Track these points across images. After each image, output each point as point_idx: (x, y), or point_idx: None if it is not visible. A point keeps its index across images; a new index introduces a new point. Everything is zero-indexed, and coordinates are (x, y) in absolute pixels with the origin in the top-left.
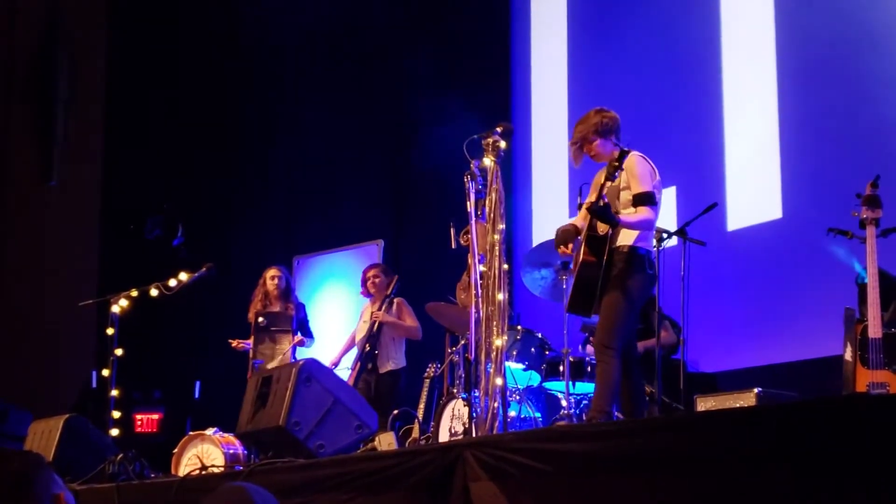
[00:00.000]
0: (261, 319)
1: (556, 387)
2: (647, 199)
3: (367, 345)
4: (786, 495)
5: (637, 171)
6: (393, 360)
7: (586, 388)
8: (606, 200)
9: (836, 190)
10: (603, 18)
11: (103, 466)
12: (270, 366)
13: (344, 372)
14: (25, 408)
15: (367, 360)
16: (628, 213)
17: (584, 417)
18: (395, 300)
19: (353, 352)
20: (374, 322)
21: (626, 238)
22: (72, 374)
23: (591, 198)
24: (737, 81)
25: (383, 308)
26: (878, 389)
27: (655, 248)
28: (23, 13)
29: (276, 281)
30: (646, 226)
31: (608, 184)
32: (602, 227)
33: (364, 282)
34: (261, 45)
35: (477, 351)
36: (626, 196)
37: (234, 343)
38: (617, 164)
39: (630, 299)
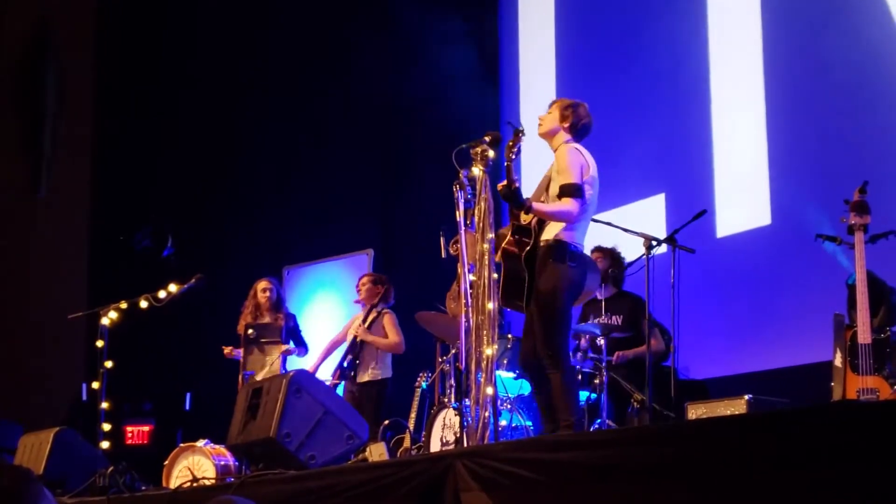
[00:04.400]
0: (250, 331)
1: None
2: (571, 191)
3: (350, 355)
4: (778, 502)
5: (567, 161)
6: (371, 371)
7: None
8: (518, 185)
9: (824, 196)
10: (591, 27)
11: (94, 479)
12: (259, 377)
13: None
14: (15, 421)
15: (348, 369)
16: (549, 204)
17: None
18: (383, 313)
19: (335, 357)
20: (356, 336)
21: (551, 231)
22: (61, 386)
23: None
24: (725, 88)
25: (367, 321)
26: (868, 395)
27: (645, 256)
28: (10, 25)
29: (267, 293)
30: (564, 217)
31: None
32: (526, 217)
33: (357, 289)
34: (249, 55)
35: (467, 360)
36: (554, 188)
37: (227, 350)
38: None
39: (557, 297)
